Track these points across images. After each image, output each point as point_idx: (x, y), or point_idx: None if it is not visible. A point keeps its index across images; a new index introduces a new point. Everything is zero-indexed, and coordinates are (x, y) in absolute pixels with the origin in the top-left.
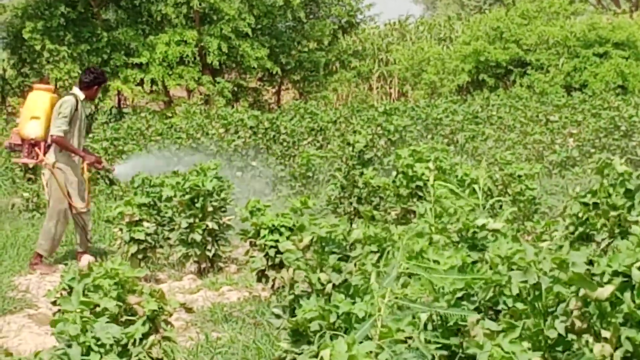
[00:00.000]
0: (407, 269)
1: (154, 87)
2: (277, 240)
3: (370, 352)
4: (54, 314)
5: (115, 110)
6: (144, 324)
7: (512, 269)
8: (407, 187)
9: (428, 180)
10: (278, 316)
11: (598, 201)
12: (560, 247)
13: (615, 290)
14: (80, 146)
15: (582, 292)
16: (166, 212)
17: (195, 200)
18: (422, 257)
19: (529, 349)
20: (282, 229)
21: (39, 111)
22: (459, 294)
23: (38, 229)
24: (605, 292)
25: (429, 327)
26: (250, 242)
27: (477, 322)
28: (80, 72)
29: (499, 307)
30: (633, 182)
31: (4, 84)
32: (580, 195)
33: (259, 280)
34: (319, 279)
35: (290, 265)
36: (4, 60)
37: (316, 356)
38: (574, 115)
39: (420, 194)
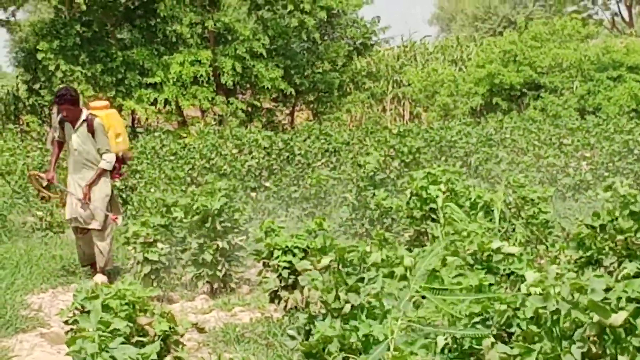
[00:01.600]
0: (422, 291)
1: (168, 107)
2: (290, 262)
3: None
4: (66, 333)
5: (129, 129)
6: (157, 345)
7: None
8: (421, 209)
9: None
10: (293, 337)
11: (605, 223)
12: (569, 271)
13: (629, 317)
14: (69, 164)
15: (596, 318)
16: (178, 233)
17: (205, 221)
18: (436, 278)
19: None
20: (296, 250)
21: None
22: (476, 318)
23: (51, 248)
24: (619, 318)
25: (444, 350)
26: (264, 263)
27: (492, 346)
28: (94, 92)
29: (512, 330)
30: (638, 205)
31: (17, 102)
32: (585, 220)
33: (271, 301)
34: (338, 298)
35: (307, 285)
36: (17, 77)
37: None
38: (587, 138)
39: (434, 216)
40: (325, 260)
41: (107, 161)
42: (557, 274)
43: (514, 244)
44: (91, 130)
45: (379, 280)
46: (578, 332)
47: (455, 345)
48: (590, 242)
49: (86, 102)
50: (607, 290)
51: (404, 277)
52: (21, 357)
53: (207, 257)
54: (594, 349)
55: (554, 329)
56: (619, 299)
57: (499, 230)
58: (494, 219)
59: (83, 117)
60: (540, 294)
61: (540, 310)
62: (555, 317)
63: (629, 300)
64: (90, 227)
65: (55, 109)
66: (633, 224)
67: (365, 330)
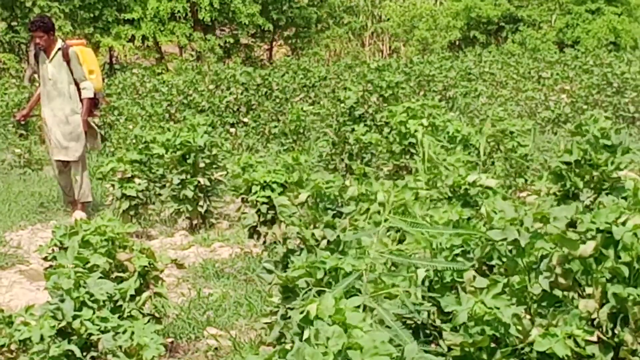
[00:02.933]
0: (395, 223)
1: (146, 44)
2: (269, 197)
3: (358, 306)
4: (45, 270)
5: (107, 66)
6: (135, 280)
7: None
8: (400, 143)
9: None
10: (270, 271)
11: (579, 159)
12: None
13: (598, 248)
14: (43, 96)
15: (565, 250)
16: (157, 170)
17: (187, 157)
18: (408, 212)
19: (513, 304)
20: (274, 185)
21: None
22: (457, 251)
23: (29, 185)
24: (587, 249)
25: (425, 282)
26: (242, 199)
27: (474, 279)
28: (71, 28)
29: (493, 262)
30: (613, 138)
31: None
32: (559, 155)
33: (250, 236)
34: (312, 234)
35: (284, 220)
36: None
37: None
38: (566, 71)
39: (413, 151)
40: (303, 196)
41: (88, 89)
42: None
43: (492, 177)
44: (66, 59)
45: (357, 214)
46: (544, 263)
47: (436, 278)
48: (567, 177)
49: (63, 40)
50: (574, 222)
51: (377, 212)
52: (0, 294)
53: (188, 193)
54: (561, 280)
55: (518, 261)
56: (586, 230)
57: (479, 164)
58: (473, 152)
59: (58, 45)
60: (502, 227)
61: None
62: (519, 249)
63: (598, 231)
64: (69, 159)
65: (32, 45)
66: (607, 158)
67: (333, 264)
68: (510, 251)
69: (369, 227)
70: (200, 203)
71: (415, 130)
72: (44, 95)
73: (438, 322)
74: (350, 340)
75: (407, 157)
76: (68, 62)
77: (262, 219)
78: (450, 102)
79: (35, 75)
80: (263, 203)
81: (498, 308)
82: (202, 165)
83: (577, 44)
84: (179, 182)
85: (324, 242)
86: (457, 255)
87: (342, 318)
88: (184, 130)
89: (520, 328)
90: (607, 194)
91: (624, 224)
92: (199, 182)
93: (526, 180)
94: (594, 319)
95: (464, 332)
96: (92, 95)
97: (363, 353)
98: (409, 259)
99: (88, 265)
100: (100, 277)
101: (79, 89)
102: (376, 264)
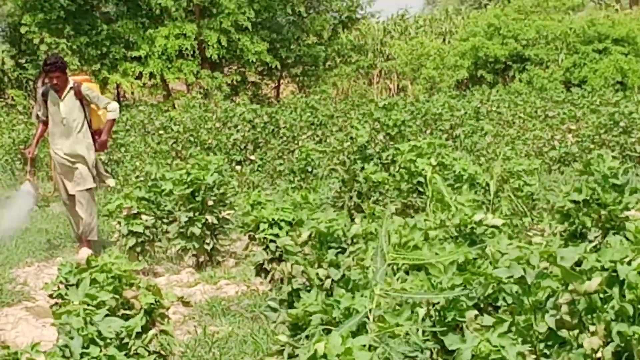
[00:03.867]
0: (395, 260)
1: (153, 81)
2: (276, 235)
3: (365, 345)
4: (51, 307)
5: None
6: (141, 317)
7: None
8: (409, 182)
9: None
10: (275, 309)
11: (587, 198)
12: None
13: (604, 285)
14: (54, 135)
15: (570, 286)
16: (165, 206)
17: (196, 194)
18: (417, 252)
19: (518, 343)
20: (282, 224)
21: None
22: (458, 290)
23: (36, 221)
24: (592, 284)
25: (427, 322)
26: (250, 236)
27: (476, 318)
28: (79, 64)
29: (499, 304)
30: (621, 178)
31: (2, 77)
32: (567, 194)
33: (257, 274)
34: (317, 274)
35: (289, 260)
36: (2, 52)
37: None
38: (573, 111)
39: (421, 189)
40: (304, 235)
41: (114, 111)
42: (536, 244)
43: (498, 216)
44: (79, 97)
45: (362, 252)
46: (550, 301)
47: (438, 317)
48: (575, 216)
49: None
50: (580, 261)
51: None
52: (6, 330)
53: (196, 230)
54: (567, 318)
55: (524, 299)
56: (591, 269)
57: (485, 203)
58: (479, 191)
59: (69, 84)
60: (507, 265)
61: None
62: (525, 287)
63: (603, 269)
64: (78, 188)
65: (40, 83)
66: (616, 197)
67: (347, 304)
68: (517, 291)
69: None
70: (207, 241)
71: (423, 169)
72: (55, 134)
73: None
74: None
75: (415, 195)
76: (81, 100)
77: (270, 257)
78: (456, 141)
79: (39, 113)
80: (271, 241)
81: (503, 347)
82: (210, 203)
83: (584, 84)
84: (187, 219)
85: (328, 281)
86: (459, 295)
87: (351, 357)
88: (195, 167)
89: None
90: (614, 234)
91: (629, 263)
92: (206, 219)
93: (532, 220)
94: (599, 358)
95: None
96: (116, 117)
97: None
98: (414, 295)
99: (95, 303)
100: (107, 315)
101: (89, 126)
102: (381, 303)
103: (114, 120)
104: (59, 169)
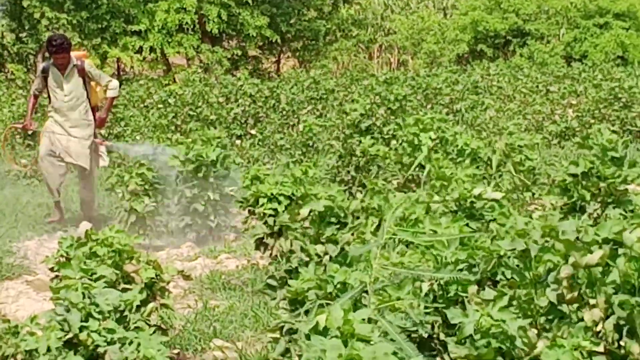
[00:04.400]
0: (395, 235)
1: (153, 55)
2: (275, 209)
3: (365, 319)
4: (51, 280)
5: (115, 77)
6: (141, 291)
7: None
8: (411, 156)
9: (431, 149)
10: (273, 287)
11: (586, 171)
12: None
13: (605, 257)
14: (54, 111)
15: (571, 259)
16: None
17: (199, 170)
18: (419, 226)
19: (519, 317)
20: (281, 198)
21: None
22: (462, 265)
23: (36, 196)
24: (595, 257)
25: (429, 295)
26: (249, 211)
27: (478, 293)
28: (79, 39)
29: (498, 278)
30: (620, 151)
31: (2, 50)
32: (566, 167)
33: (257, 248)
34: (315, 250)
35: (289, 236)
36: (2, 26)
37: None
38: (574, 85)
39: (422, 163)
40: (304, 211)
41: (114, 89)
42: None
43: (499, 191)
44: (82, 75)
45: (363, 227)
46: (552, 275)
47: (440, 292)
48: (573, 189)
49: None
50: (579, 234)
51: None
52: (6, 304)
53: (199, 207)
54: (568, 292)
55: (526, 273)
56: (591, 241)
57: (486, 178)
58: (481, 166)
59: (73, 62)
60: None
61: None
62: (527, 260)
63: (605, 241)
64: (78, 163)
65: (40, 57)
66: (615, 171)
67: (341, 278)
68: (517, 265)
69: (373, 239)
70: (211, 217)
71: (424, 144)
72: (56, 110)
73: (442, 336)
74: (351, 352)
75: (417, 169)
76: (84, 78)
77: (269, 231)
78: (457, 116)
79: (35, 88)
80: (270, 215)
81: (504, 321)
82: (212, 179)
83: (585, 58)
84: (191, 196)
85: (327, 257)
86: (461, 269)
87: (351, 329)
88: (197, 143)
89: (526, 340)
90: (613, 207)
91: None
92: (209, 196)
93: (533, 194)
94: (600, 331)
95: (470, 344)
96: (117, 95)
97: None
98: (412, 271)
99: (94, 277)
100: (106, 287)
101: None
102: (380, 277)
103: (114, 98)
104: (56, 142)
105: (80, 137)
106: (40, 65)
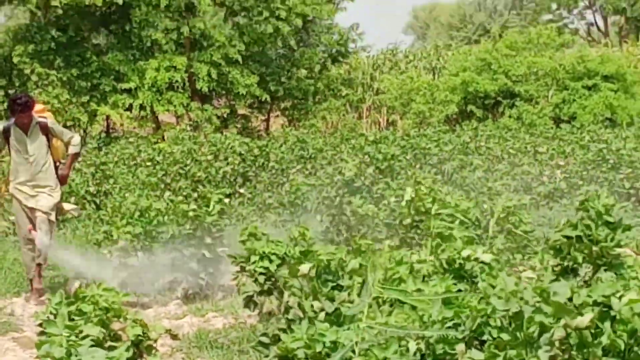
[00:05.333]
0: (381, 293)
1: (143, 113)
2: (267, 268)
3: None
4: (39, 337)
5: (104, 135)
6: (127, 349)
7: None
8: (412, 218)
9: (429, 213)
10: (265, 345)
11: (580, 234)
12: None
13: (595, 320)
14: (17, 172)
15: (563, 322)
16: (161, 238)
17: (197, 231)
18: (402, 285)
19: None
20: (273, 257)
21: None
22: (449, 323)
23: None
24: (585, 320)
25: (417, 355)
26: (240, 267)
27: (466, 351)
28: (69, 96)
29: (484, 338)
30: (615, 215)
31: None
32: (561, 229)
33: (246, 306)
34: (312, 306)
35: (287, 291)
36: None
37: None
38: (562, 147)
39: (421, 226)
40: (305, 268)
41: (76, 144)
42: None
43: (490, 252)
44: (45, 132)
45: (355, 287)
46: (544, 337)
47: (428, 351)
48: (566, 251)
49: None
50: (571, 296)
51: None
52: None
53: (193, 266)
54: (559, 354)
55: (518, 334)
56: (582, 304)
57: (475, 239)
58: (470, 227)
59: (35, 120)
60: (504, 299)
61: (505, 316)
62: (519, 322)
63: (595, 304)
64: (45, 211)
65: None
66: (608, 234)
67: (333, 337)
68: (510, 324)
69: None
70: (202, 275)
71: (428, 207)
72: (21, 173)
73: None
74: None
75: (413, 231)
76: (47, 135)
77: (259, 289)
78: (445, 176)
79: None
80: (261, 273)
81: None
82: (208, 241)
83: (574, 120)
84: (189, 254)
85: (322, 313)
86: (448, 327)
87: None
88: (193, 204)
89: None
90: (605, 270)
91: (620, 299)
92: (204, 254)
93: (523, 256)
94: None
95: None
96: (79, 151)
97: None
98: (398, 330)
99: (81, 335)
100: (92, 346)
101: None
102: (367, 336)
103: (77, 154)
104: (23, 201)
105: (47, 192)
106: (0, 126)
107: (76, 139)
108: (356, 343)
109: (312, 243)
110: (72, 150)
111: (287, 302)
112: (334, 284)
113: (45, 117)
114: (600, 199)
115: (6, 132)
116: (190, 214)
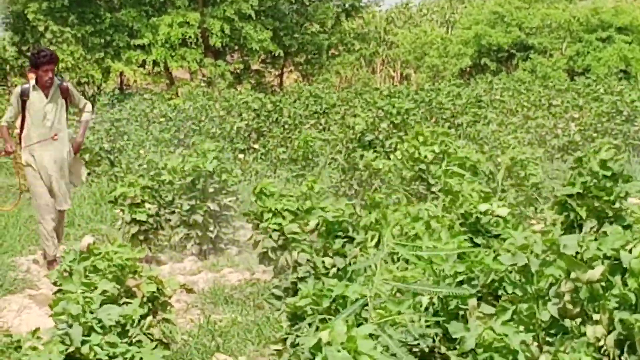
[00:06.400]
0: (395, 249)
1: (156, 69)
2: (280, 224)
3: (370, 334)
4: (54, 295)
5: (118, 91)
6: (142, 305)
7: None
8: (412, 169)
9: (431, 163)
10: (278, 298)
11: (580, 191)
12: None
13: (606, 274)
14: (33, 138)
15: (573, 275)
16: (167, 195)
17: (196, 182)
18: (418, 241)
19: (522, 331)
20: (286, 213)
21: None
22: (460, 278)
23: None
24: (596, 273)
25: (429, 309)
26: (254, 224)
27: (478, 306)
28: (83, 53)
29: (499, 293)
30: (614, 167)
31: (4, 64)
32: (564, 185)
33: (261, 262)
34: (323, 262)
35: (295, 248)
36: (3, 39)
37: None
38: (577, 99)
39: (424, 176)
40: (312, 223)
41: (89, 111)
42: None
43: (504, 206)
44: (65, 96)
45: (368, 242)
46: (553, 289)
47: (440, 305)
48: (571, 207)
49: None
50: (581, 249)
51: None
52: (9, 318)
53: (198, 218)
54: (570, 307)
55: (528, 288)
56: (592, 257)
57: (490, 192)
58: (482, 180)
59: (56, 83)
60: (513, 253)
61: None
62: (528, 275)
63: (605, 257)
64: (65, 208)
65: (18, 87)
66: (608, 188)
67: (339, 292)
68: (519, 279)
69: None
70: (210, 228)
71: (425, 157)
72: (35, 137)
73: (443, 349)
74: None
75: (417, 183)
76: (66, 99)
77: (273, 245)
78: (459, 130)
79: (10, 116)
80: (274, 230)
81: (507, 335)
82: (211, 190)
83: (588, 72)
84: (188, 207)
85: (334, 269)
86: (461, 282)
87: (354, 346)
88: (193, 155)
89: (528, 355)
90: (610, 224)
91: (630, 251)
92: (208, 207)
93: (536, 209)
94: (602, 346)
95: (472, 358)
96: (91, 118)
97: None
98: (413, 285)
99: (96, 291)
100: (107, 303)
101: None
102: (381, 292)
103: (88, 121)
104: (43, 174)
105: (65, 170)
106: (18, 89)
107: (89, 106)
108: (370, 298)
109: (324, 197)
110: (85, 117)
111: (296, 259)
112: (345, 239)
113: (62, 79)
114: (599, 153)
115: (24, 94)
116: (188, 165)
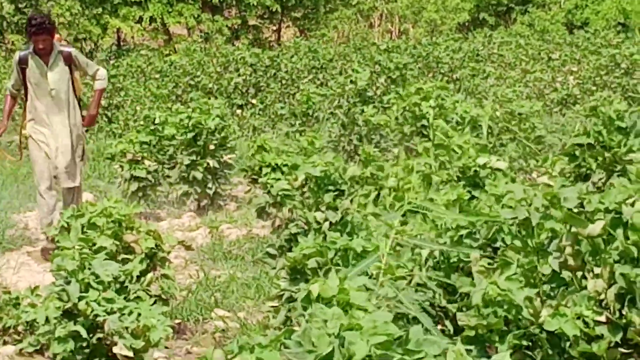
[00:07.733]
0: (412, 205)
1: (153, 25)
2: (278, 179)
3: (363, 286)
4: (52, 251)
5: (115, 47)
6: (141, 261)
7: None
8: (412, 125)
9: (427, 118)
10: (273, 256)
11: (592, 141)
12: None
13: (607, 227)
14: (36, 111)
15: (574, 229)
16: (167, 150)
17: (197, 138)
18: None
19: (525, 287)
20: (284, 168)
21: None
22: (462, 232)
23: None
24: (596, 228)
25: (430, 264)
26: (252, 179)
27: (480, 259)
28: (80, 9)
29: (497, 245)
30: (627, 120)
31: (1, 21)
32: (576, 135)
33: (259, 217)
34: (315, 217)
35: (287, 204)
36: None
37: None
38: (575, 53)
39: (424, 132)
40: (301, 178)
41: (102, 78)
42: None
43: (504, 159)
44: (68, 63)
45: (364, 196)
46: (554, 243)
47: (442, 258)
48: (580, 158)
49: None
50: (582, 202)
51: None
52: (7, 275)
53: (198, 174)
54: (570, 261)
55: (528, 241)
56: (594, 210)
57: (488, 145)
58: (481, 134)
59: (57, 48)
60: (512, 206)
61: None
62: (528, 228)
63: (607, 211)
64: (75, 184)
65: (16, 53)
66: (620, 140)
67: (343, 244)
68: (519, 232)
69: (379, 210)
70: (209, 185)
71: (427, 112)
72: (38, 110)
73: (444, 303)
74: (351, 321)
75: (418, 138)
76: (70, 67)
77: (271, 201)
78: (457, 84)
79: (12, 84)
80: (272, 185)
81: (511, 290)
82: (212, 147)
83: (586, 25)
84: (188, 163)
85: (327, 224)
86: (462, 236)
87: (346, 298)
88: (196, 111)
89: (532, 311)
90: (618, 176)
91: (632, 205)
92: (208, 164)
93: (537, 162)
94: (603, 300)
95: (475, 312)
96: (105, 86)
97: (362, 333)
98: (420, 241)
99: (94, 247)
100: (106, 259)
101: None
102: (388, 244)
103: (103, 89)
104: (42, 143)
105: (76, 145)
106: (16, 56)
107: (102, 72)
108: (382, 252)
109: (324, 152)
110: (98, 85)
111: (289, 215)
112: (335, 192)
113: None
114: (612, 104)
115: (22, 62)
116: (191, 121)
